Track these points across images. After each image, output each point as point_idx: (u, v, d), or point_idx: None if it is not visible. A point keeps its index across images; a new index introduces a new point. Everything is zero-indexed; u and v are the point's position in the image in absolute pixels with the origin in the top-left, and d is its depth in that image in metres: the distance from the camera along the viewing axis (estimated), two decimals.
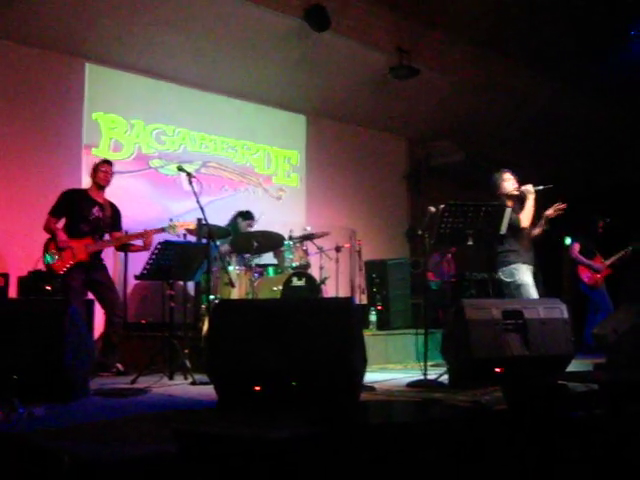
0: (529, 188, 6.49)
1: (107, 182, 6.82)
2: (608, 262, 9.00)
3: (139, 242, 6.78)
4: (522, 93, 10.98)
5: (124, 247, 7.02)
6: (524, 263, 6.51)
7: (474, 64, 10.35)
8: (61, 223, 6.63)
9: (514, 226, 6.35)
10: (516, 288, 6.49)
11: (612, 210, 8.84)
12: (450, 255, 9.79)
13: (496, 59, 10.57)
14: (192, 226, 6.82)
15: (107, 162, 6.91)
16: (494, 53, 10.48)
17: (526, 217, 6.47)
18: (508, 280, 6.52)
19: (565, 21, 9.57)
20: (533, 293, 6.41)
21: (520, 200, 6.56)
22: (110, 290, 6.75)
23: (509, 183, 6.63)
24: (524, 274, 6.48)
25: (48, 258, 6.41)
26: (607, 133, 11.95)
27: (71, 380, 4.76)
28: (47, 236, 6.54)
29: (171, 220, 6.73)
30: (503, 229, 5.92)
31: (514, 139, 11.71)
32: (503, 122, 11.25)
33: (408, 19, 9.52)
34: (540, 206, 6.57)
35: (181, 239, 7.79)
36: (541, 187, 6.49)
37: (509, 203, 6.47)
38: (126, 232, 7.07)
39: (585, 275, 8.91)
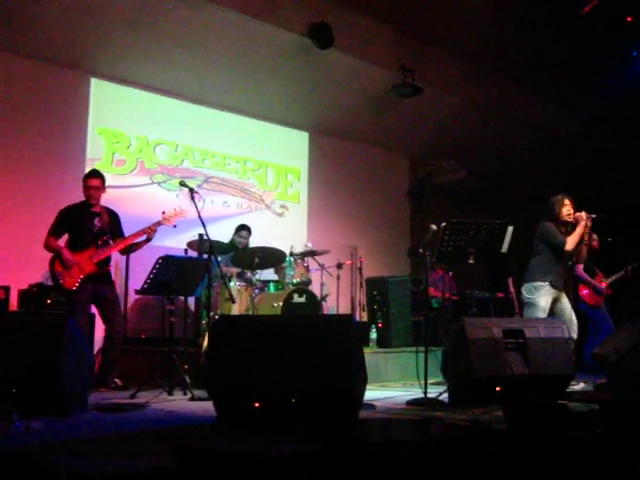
0: (582, 215, 6.60)
1: (96, 199, 6.71)
2: (608, 281, 8.99)
3: (142, 238, 6.71)
4: (523, 113, 11.02)
5: (129, 249, 6.93)
6: (552, 286, 6.63)
7: (476, 84, 10.39)
8: (62, 240, 6.62)
9: (558, 247, 6.58)
10: (528, 306, 6.66)
11: (611, 230, 8.86)
12: (442, 271, 9.77)
13: (498, 79, 10.61)
14: (185, 213, 6.77)
15: (93, 175, 6.77)
16: (496, 73, 10.53)
17: (572, 241, 6.56)
18: (526, 296, 6.69)
19: (566, 43, 9.62)
20: (540, 317, 6.44)
21: (573, 226, 6.68)
22: (114, 306, 6.73)
23: (566, 209, 6.70)
24: (543, 296, 6.59)
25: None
26: (606, 153, 11.98)
27: (69, 394, 4.75)
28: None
29: (164, 212, 6.70)
30: (504, 248, 5.93)
31: (515, 158, 11.73)
32: (505, 141, 11.28)
33: (411, 38, 9.57)
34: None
35: (182, 254, 7.81)
36: (594, 215, 6.63)
37: (562, 228, 6.67)
38: None
39: (585, 294, 8.89)
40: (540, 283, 6.61)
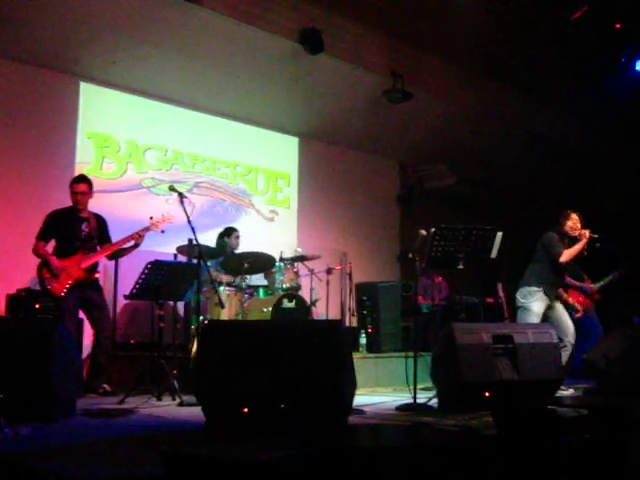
0: (585, 232, 6.75)
1: (83, 205, 6.69)
2: (596, 286, 9.01)
3: (129, 244, 6.69)
4: (514, 118, 11.06)
5: (117, 255, 6.91)
6: (544, 293, 6.75)
7: (467, 89, 10.42)
8: (50, 245, 6.60)
9: (554, 257, 6.72)
10: (522, 311, 6.80)
11: (601, 235, 8.90)
12: (441, 277, 9.79)
13: (489, 84, 10.64)
14: (173, 220, 6.74)
15: (80, 180, 6.75)
16: (487, 79, 10.56)
17: (567, 254, 6.73)
18: (520, 300, 6.83)
19: (558, 49, 9.66)
20: (533, 321, 6.53)
21: (575, 241, 6.83)
22: (102, 311, 6.71)
23: (571, 222, 6.85)
24: (536, 301, 6.73)
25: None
26: (599, 159, 12.03)
27: (57, 400, 4.73)
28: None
29: (151, 218, 6.69)
30: (494, 253, 5.94)
31: (506, 163, 11.77)
32: (495, 147, 11.31)
33: (402, 43, 9.59)
34: None
35: (171, 259, 7.79)
36: (596, 236, 6.80)
37: (565, 241, 6.83)
38: None
39: (576, 300, 8.89)
40: (535, 288, 6.76)
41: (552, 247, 6.75)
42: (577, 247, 6.74)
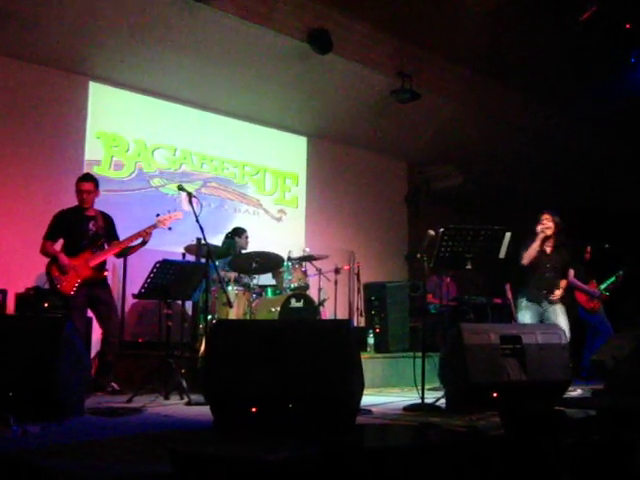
0: (538, 229, 6.83)
1: (89, 203, 6.67)
2: (602, 287, 8.99)
3: (137, 242, 6.72)
4: (522, 119, 11.03)
5: (125, 253, 6.92)
6: (528, 300, 6.91)
7: (474, 90, 10.41)
8: (58, 244, 6.62)
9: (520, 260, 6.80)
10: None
11: (604, 235, 8.89)
12: (449, 278, 9.77)
13: (496, 85, 10.62)
14: (180, 216, 6.75)
15: (85, 179, 6.75)
16: (494, 79, 10.54)
17: (525, 255, 6.82)
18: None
19: (564, 49, 9.64)
20: None
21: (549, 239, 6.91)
22: (110, 310, 6.72)
23: (540, 223, 6.89)
24: (525, 313, 6.90)
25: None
26: (606, 159, 11.99)
27: (65, 398, 4.74)
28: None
29: (158, 215, 6.69)
30: (502, 254, 5.93)
31: (513, 164, 11.75)
32: (503, 147, 11.29)
33: (410, 44, 9.58)
34: None
35: (180, 259, 7.81)
36: (539, 228, 6.83)
37: (547, 242, 6.91)
38: None
39: (583, 300, 8.87)
40: (520, 299, 6.98)
41: (522, 251, 6.85)
42: (534, 246, 6.80)
